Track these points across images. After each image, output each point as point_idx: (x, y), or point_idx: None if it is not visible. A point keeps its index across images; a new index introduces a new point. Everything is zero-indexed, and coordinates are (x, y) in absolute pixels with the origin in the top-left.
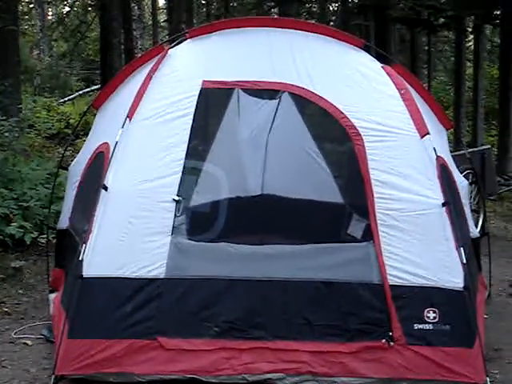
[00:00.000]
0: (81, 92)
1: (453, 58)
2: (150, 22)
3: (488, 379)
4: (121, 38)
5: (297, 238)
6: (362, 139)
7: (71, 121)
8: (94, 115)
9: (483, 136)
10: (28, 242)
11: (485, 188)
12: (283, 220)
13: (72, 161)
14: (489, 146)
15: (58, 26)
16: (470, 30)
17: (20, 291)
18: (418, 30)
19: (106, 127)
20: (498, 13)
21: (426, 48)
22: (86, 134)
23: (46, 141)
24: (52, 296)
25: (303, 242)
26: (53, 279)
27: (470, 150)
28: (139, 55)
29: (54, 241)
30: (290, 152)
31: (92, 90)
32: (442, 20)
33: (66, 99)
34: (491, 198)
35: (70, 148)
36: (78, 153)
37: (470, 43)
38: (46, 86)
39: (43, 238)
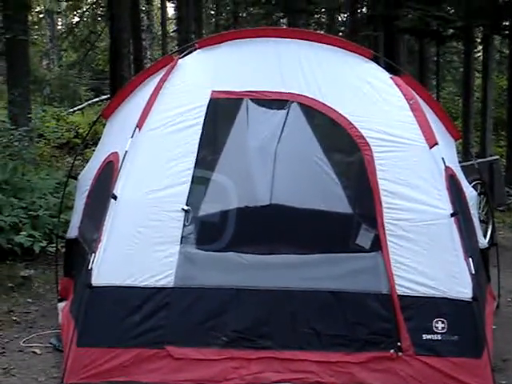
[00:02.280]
0: (90, 102)
1: (461, 69)
2: (160, 33)
3: None
4: (130, 48)
5: (305, 248)
6: (370, 149)
7: (80, 130)
8: (104, 125)
9: (492, 147)
10: (37, 251)
11: (493, 199)
12: (292, 230)
13: (81, 170)
14: (497, 157)
15: (68, 36)
16: (478, 40)
17: (29, 300)
18: (427, 40)
19: (116, 137)
20: (507, 23)
21: (435, 59)
22: (95, 144)
23: (55, 150)
24: (61, 305)
25: (312, 252)
26: (61, 288)
27: (479, 160)
28: (148, 65)
29: (63, 250)
30: (298, 162)
31: (101, 100)
32: (450, 31)
33: (75, 109)
34: (500, 208)
35: (79, 157)
36: (87, 162)
37: (479, 54)
38: (55, 96)
39: (52, 247)
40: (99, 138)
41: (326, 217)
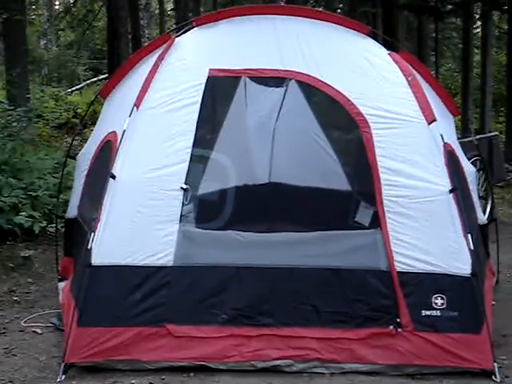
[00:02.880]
0: (88, 82)
1: (460, 45)
2: (157, 11)
3: (496, 365)
4: (128, 27)
5: (304, 226)
6: (369, 126)
7: (79, 110)
8: (102, 105)
9: (491, 123)
10: (37, 232)
11: (493, 175)
12: (291, 208)
13: (80, 150)
14: (496, 133)
15: (66, 16)
16: (477, 16)
17: (29, 280)
18: (425, 16)
19: (114, 116)
20: None
21: (434, 35)
22: (94, 124)
23: (53, 130)
24: (61, 285)
25: (311, 229)
26: (61, 268)
27: (478, 136)
28: (146, 44)
29: (63, 230)
30: (297, 139)
31: (100, 80)
32: (449, 6)
33: (73, 89)
34: (499, 184)
35: (77, 137)
36: (85, 142)
37: (478, 30)
38: (53, 76)
39: (52, 227)
40: (98, 118)
41: (324, 194)
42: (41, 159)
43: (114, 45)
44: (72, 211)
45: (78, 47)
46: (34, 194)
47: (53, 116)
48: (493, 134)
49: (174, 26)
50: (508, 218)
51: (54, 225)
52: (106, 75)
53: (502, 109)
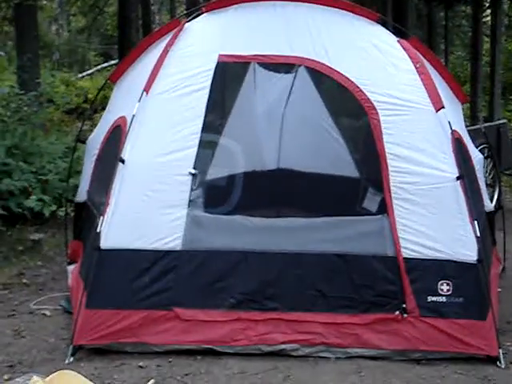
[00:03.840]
0: (99, 67)
1: (470, 33)
2: None
3: (501, 351)
4: (138, 13)
5: (312, 212)
6: (377, 113)
7: (89, 95)
8: (112, 90)
9: (500, 111)
10: (47, 215)
11: (500, 162)
12: (298, 194)
13: (90, 135)
14: (505, 121)
15: (77, 1)
16: (487, 4)
17: (39, 263)
18: (435, 4)
19: (123, 101)
20: None
21: (443, 23)
22: (104, 109)
23: (64, 115)
24: (70, 268)
25: (318, 215)
26: (71, 251)
27: (486, 124)
28: (156, 29)
29: (73, 214)
30: (305, 126)
31: (110, 65)
32: None
33: (84, 74)
34: (507, 172)
35: (88, 122)
36: (95, 127)
37: (488, 18)
38: (64, 61)
39: (62, 211)
40: (108, 103)
41: (332, 181)
42: (51, 144)
43: (125, 30)
44: (82, 195)
45: (89, 33)
46: (44, 177)
47: (64, 101)
48: (501, 121)
49: (185, 11)
50: None
51: (63, 209)
52: (117, 61)
53: (511, 97)
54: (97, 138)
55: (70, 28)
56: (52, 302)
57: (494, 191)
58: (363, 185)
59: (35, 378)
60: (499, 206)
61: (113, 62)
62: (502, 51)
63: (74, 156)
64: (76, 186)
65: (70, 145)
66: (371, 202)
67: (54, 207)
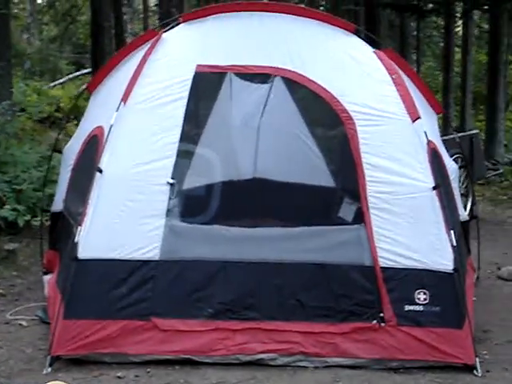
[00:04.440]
0: (71, 76)
1: (441, 44)
2: (141, 6)
3: (477, 360)
4: (111, 22)
5: (289, 222)
6: (354, 123)
7: (62, 104)
8: (85, 99)
9: (471, 121)
10: (21, 225)
11: (474, 172)
12: (275, 203)
13: (65, 144)
14: (477, 131)
15: (49, 10)
16: (458, 15)
17: (14, 273)
18: (408, 14)
19: (100, 111)
20: None
21: (415, 33)
22: (76, 118)
23: (36, 124)
24: (46, 278)
25: (295, 225)
26: (46, 261)
27: (459, 134)
28: (129, 40)
29: (48, 223)
30: (281, 136)
31: (82, 74)
32: (430, 5)
33: (56, 83)
34: (479, 182)
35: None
36: (69, 136)
37: (459, 29)
38: (35, 70)
39: (36, 220)
40: (81, 113)
41: (308, 190)
42: (25, 153)
43: (98, 39)
44: (57, 205)
45: (61, 42)
46: (18, 187)
47: (36, 110)
48: (473, 131)
49: (158, 21)
50: (488, 216)
51: (38, 218)
52: (89, 70)
53: (482, 107)
54: (73, 147)
55: (42, 37)
56: (28, 313)
57: (467, 200)
58: (339, 194)
59: None
60: (473, 215)
61: (85, 70)
62: (472, 62)
63: (49, 165)
64: (51, 196)
65: (44, 154)
66: (347, 211)
67: (28, 217)
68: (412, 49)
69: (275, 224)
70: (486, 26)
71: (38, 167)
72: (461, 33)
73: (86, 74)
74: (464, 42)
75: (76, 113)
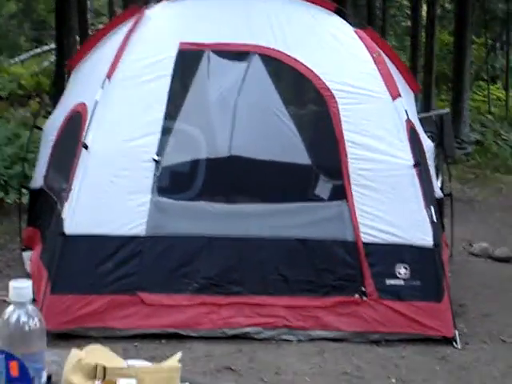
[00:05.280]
0: (32, 52)
1: (403, 23)
2: None
3: (456, 332)
4: None
5: (265, 199)
6: (336, 101)
7: (23, 82)
8: (47, 76)
9: (435, 101)
10: None
11: (447, 151)
12: (252, 181)
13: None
14: (447, 110)
15: None
16: None
17: None
18: None
19: (82, 88)
20: None
21: (379, 13)
22: (38, 96)
23: None
24: (27, 254)
25: (272, 202)
26: (25, 238)
27: (430, 113)
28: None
29: (20, 200)
30: (258, 114)
31: (43, 52)
32: None
33: (16, 60)
34: (449, 161)
35: (23, 109)
36: (32, 114)
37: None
38: None
39: (8, 198)
40: (42, 90)
41: (285, 168)
42: None
43: (64, 16)
44: (37, 181)
45: (23, 18)
46: None
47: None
48: (444, 110)
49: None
50: (457, 194)
51: (10, 196)
52: (52, 46)
53: (444, 87)
54: (54, 124)
55: (2, 13)
56: None
57: (437, 178)
58: (315, 172)
59: (74, 350)
60: (448, 193)
61: (46, 47)
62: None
63: (29, 143)
64: (21, 173)
65: (14, 131)
66: (323, 189)
67: (1, 194)
68: (377, 29)
69: (251, 201)
70: (448, 6)
71: (10, 144)
72: (425, 13)
73: (47, 51)
74: (429, 21)
75: (38, 90)
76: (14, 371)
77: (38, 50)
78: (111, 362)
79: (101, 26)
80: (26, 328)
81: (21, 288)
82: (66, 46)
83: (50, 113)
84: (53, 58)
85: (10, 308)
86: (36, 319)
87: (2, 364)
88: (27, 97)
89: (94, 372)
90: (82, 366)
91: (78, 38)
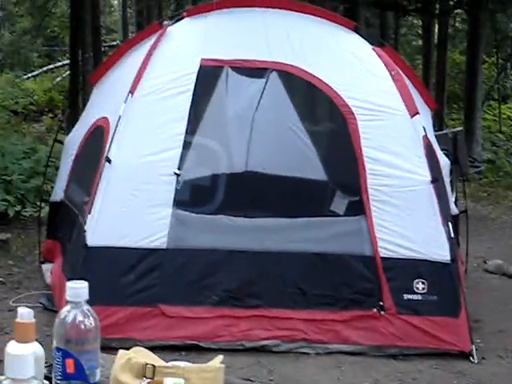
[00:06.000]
0: (45, 68)
1: (414, 43)
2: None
3: (473, 347)
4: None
5: (283, 214)
6: (355, 118)
7: (35, 97)
8: (60, 92)
9: (447, 120)
10: (11, 216)
11: (462, 168)
12: (269, 196)
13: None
14: (461, 128)
15: (25, 2)
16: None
17: (10, 262)
18: (391, 14)
19: (104, 102)
20: None
21: (392, 32)
22: (51, 111)
23: (9, 117)
24: (46, 266)
25: (289, 217)
26: (45, 250)
27: (445, 131)
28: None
29: (37, 214)
30: (275, 129)
31: (56, 67)
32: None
33: (29, 75)
34: (462, 178)
35: (35, 124)
36: (46, 128)
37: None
38: (6, 62)
39: (25, 211)
40: (55, 106)
41: (301, 183)
42: (13, 144)
43: (78, 32)
44: (57, 195)
45: (36, 34)
46: (7, 178)
47: (9, 103)
48: (458, 129)
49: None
50: (470, 211)
51: (27, 209)
52: (64, 62)
53: (455, 106)
54: (75, 138)
55: (15, 29)
56: (30, 300)
57: (452, 196)
58: (331, 188)
59: (121, 350)
60: (464, 210)
61: (59, 64)
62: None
63: (50, 157)
64: (37, 187)
65: (31, 146)
66: (339, 204)
67: (18, 207)
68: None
69: (269, 215)
70: (458, 26)
71: (27, 159)
72: (437, 32)
73: (59, 66)
74: (441, 41)
75: (51, 106)
76: (70, 368)
77: (51, 66)
78: (158, 362)
79: (114, 43)
80: (82, 327)
81: (77, 288)
82: (79, 63)
83: (63, 128)
84: (65, 73)
85: (67, 307)
86: (91, 318)
87: (59, 361)
88: (40, 112)
89: (142, 371)
90: (132, 364)
91: (91, 54)
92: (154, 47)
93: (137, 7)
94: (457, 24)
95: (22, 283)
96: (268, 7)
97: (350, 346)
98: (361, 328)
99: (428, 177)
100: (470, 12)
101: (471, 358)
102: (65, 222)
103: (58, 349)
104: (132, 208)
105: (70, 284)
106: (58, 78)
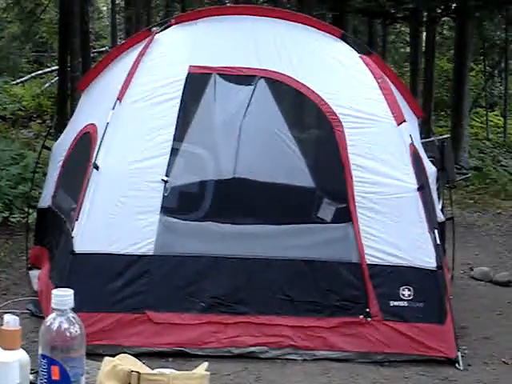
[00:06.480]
0: (33, 74)
1: (402, 50)
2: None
3: (459, 354)
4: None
5: (270, 221)
6: (341, 125)
7: (24, 103)
8: (48, 98)
9: (434, 127)
10: None
11: (447, 176)
12: (256, 203)
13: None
14: (448, 136)
15: (14, 8)
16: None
17: None
18: (379, 21)
19: (92, 109)
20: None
21: (378, 40)
22: (39, 117)
23: None
24: (33, 273)
25: (277, 224)
26: (32, 256)
27: (432, 138)
28: (126, 40)
29: (25, 220)
30: (263, 136)
31: (45, 73)
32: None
33: (18, 81)
34: (448, 186)
35: (23, 130)
36: (34, 134)
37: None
38: None
39: (13, 217)
40: (43, 111)
41: (289, 190)
42: (1, 150)
43: (67, 38)
44: (45, 201)
45: (26, 40)
46: None
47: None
48: (445, 136)
49: (123, 19)
50: (457, 219)
51: (15, 215)
52: (53, 68)
53: (443, 113)
54: (63, 144)
55: (3, 35)
56: (18, 306)
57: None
58: (318, 195)
59: (106, 358)
60: (450, 217)
61: (47, 69)
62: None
63: (37, 163)
64: (25, 193)
65: (18, 152)
66: (326, 211)
67: (6, 214)
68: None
69: (257, 222)
70: (447, 33)
71: (15, 164)
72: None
73: (48, 72)
74: (429, 48)
75: (39, 112)
76: (56, 375)
77: (39, 72)
78: (143, 369)
79: (103, 49)
80: (67, 334)
81: (62, 296)
82: (68, 69)
83: (51, 134)
84: (54, 79)
85: (52, 315)
86: (77, 326)
87: (44, 368)
88: (28, 118)
89: (127, 378)
90: (117, 372)
91: (80, 60)
92: (142, 54)
93: (126, 13)
94: (444, 31)
95: (9, 289)
96: (256, 15)
97: (337, 352)
98: (347, 334)
99: (414, 184)
100: (457, 20)
101: (457, 365)
102: (52, 228)
103: (44, 356)
104: (119, 214)
105: (55, 292)
106: (47, 84)
